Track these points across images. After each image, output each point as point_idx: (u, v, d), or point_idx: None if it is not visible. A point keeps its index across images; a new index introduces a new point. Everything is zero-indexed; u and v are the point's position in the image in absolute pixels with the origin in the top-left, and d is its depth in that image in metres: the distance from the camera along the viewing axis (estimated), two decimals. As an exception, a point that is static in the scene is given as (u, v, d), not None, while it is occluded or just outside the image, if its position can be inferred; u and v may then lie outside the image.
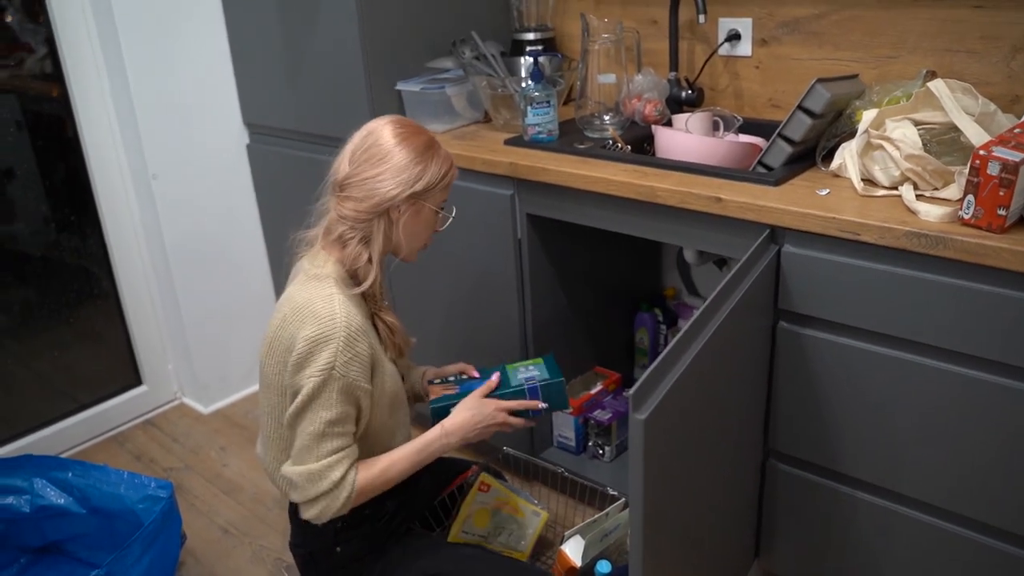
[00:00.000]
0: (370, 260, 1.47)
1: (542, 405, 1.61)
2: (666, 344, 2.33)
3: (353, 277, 1.48)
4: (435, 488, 1.86)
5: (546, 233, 1.99)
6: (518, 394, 1.60)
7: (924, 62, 1.78)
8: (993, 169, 1.27)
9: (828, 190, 1.53)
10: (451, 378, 1.74)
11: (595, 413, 2.11)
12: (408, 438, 1.61)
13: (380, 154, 1.44)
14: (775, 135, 1.63)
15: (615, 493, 1.87)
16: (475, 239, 2.03)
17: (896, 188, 1.49)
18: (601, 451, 2.12)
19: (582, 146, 1.91)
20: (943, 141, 1.51)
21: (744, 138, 1.86)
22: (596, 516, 1.73)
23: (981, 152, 1.28)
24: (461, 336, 2.19)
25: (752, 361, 1.52)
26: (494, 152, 1.92)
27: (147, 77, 2.32)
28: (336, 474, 1.41)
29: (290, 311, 1.44)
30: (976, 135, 1.45)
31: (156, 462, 2.47)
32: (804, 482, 1.64)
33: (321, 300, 1.41)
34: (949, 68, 1.75)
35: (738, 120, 1.88)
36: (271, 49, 2.31)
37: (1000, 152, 1.27)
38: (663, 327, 2.33)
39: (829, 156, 1.65)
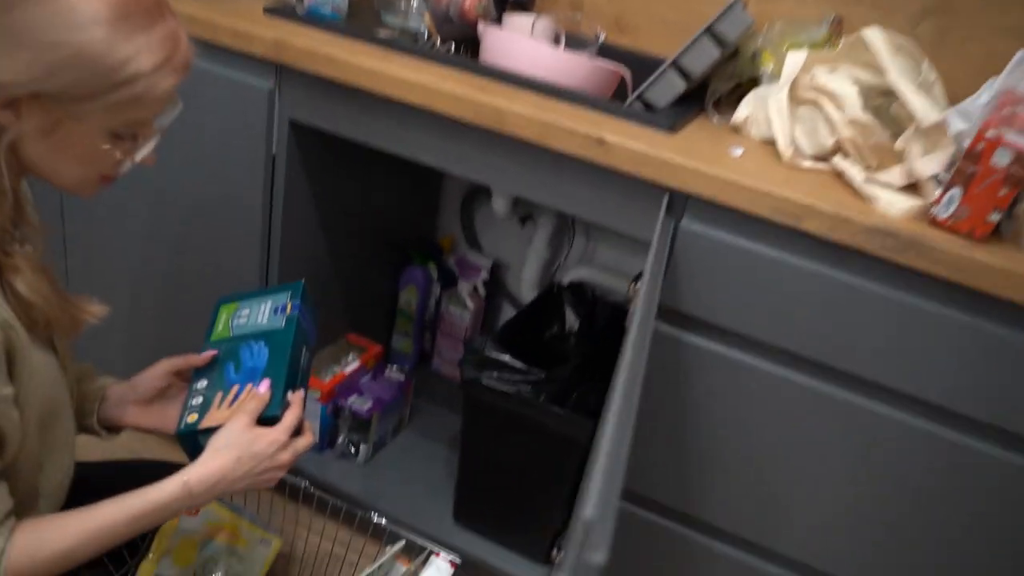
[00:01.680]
0: None
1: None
2: (438, 309, 1.85)
3: None
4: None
5: (310, 149, 1.40)
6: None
7: (822, 4, 1.44)
8: (1001, 159, 0.94)
9: (742, 149, 1.13)
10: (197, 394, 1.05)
11: (350, 401, 1.58)
12: (67, 472, 0.99)
13: None
14: (667, 64, 1.20)
15: (383, 522, 1.36)
16: (209, 149, 1.39)
17: (825, 160, 1.13)
18: (354, 449, 1.60)
19: (383, 34, 1.34)
20: (871, 108, 1.17)
21: (601, 62, 1.41)
22: (370, 569, 1.22)
23: (989, 134, 0.94)
24: (173, 291, 1.54)
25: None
26: (252, 23, 1.28)
27: None
28: None
29: None
30: (921, 108, 1.12)
31: None
32: (660, 529, 1.26)
33: None
34: (847, 18, 1.42)
35: (599, 37, 1.42)
36: None
37: (1014, 138, 0.94)
38: (437, 287, 1.84)
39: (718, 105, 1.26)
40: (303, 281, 1.12)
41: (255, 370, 1.01)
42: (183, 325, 1.53)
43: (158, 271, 1.54)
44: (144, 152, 0.87)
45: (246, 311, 1.12)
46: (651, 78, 1.21)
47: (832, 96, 1.11)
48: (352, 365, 1.62)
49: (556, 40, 1.45)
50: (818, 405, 1.08)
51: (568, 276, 1.71)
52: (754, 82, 1.24)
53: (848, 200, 1.03)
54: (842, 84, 1.12)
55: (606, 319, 1.59)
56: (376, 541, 1.42)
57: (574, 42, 1.43)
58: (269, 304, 1.11)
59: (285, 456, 0.96)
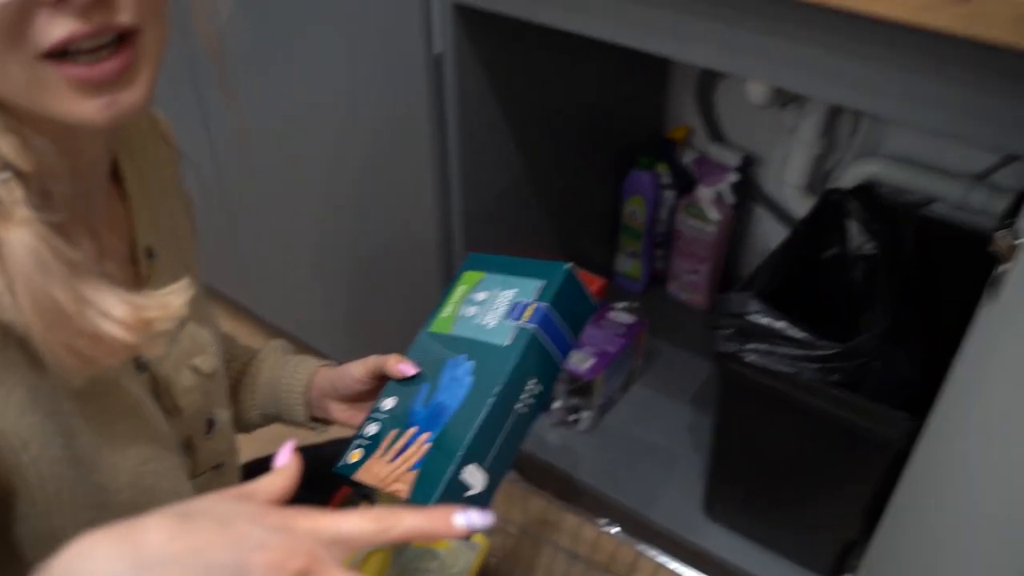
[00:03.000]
0: None
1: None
2: (672, 222, 1.45)
3: None
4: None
5: (487, 42, 1.03)
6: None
7: None
8: None
9: None
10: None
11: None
12: None
13: None
14: None
15: (614, 532, 1.05)
16: (353, 59, 1.06)
17: None
18: (573, 417, 1.29)
19: None
20: None
21: None
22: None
23: None
24: (329, 251, 1.27)
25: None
26: None
27: None
28: None
29: None
30: None
31: None
32: None
33: None
34: None
35: None
36: None
37: None
38: (668, 194, 1.44)
39: None
40: (568, 266, 0.68)
41: (440, 410, 0.64)
42: (343, 259, 1.27)
43: (323, 223, 1.26)
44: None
45: (483, 294, 0.70)
46: None
47: None
48: (566, 309, 1.28)
49: None
50: None
51: (850, 175, 1.25)
52: None
53: None
54: None
55: (914, 240, 1.12)
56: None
57: None
58: (512, 293, 0.68)
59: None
